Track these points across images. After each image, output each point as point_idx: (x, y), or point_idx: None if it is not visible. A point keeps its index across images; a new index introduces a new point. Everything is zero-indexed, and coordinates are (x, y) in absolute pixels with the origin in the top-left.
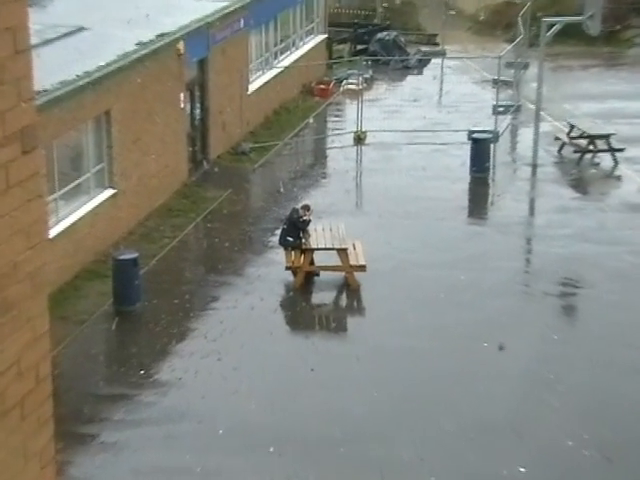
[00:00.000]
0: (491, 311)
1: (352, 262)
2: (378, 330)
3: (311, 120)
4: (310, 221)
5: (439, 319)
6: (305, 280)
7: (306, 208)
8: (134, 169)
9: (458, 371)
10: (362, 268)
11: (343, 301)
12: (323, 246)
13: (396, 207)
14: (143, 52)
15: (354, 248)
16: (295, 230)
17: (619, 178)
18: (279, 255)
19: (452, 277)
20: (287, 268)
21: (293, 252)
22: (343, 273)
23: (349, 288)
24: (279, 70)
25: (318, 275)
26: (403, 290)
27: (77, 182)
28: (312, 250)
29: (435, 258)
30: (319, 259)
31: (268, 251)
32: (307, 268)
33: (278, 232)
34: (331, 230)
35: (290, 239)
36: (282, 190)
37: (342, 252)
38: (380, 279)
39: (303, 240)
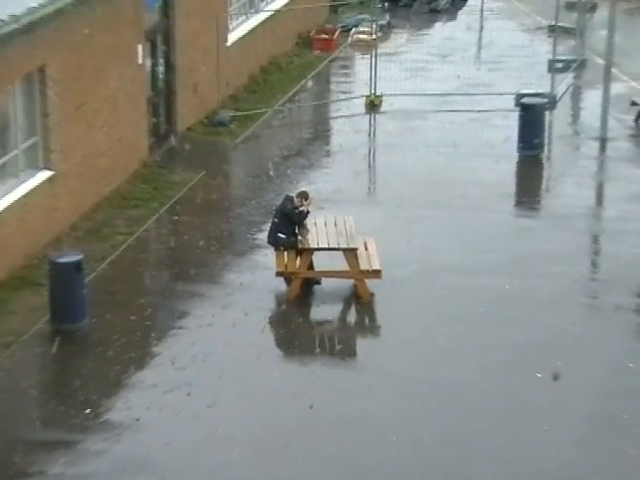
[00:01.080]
0: (545, 331)
1: (363, 266)
2: (397, 356)
3: (310, 81)
4: (308, 213)
5: (477, 341)
6: (302, 290)
7: (303, 196)
8: (77, 145)
9: (502, 410)
10: (376, 274)
11: (352, 317)
12: (325, 245)
13: (420, 195)
14: None
15: (366, 248)
16: (289, 225)
17: None
18: (268, 257)
19: (494, 286)
20: (278, 274)
21: (286, 253)
22: (351, 281)
23: (359, 300)
24: (268, 15)
25: (319, 283)
26: (430, 303)
27: (0, 162)
28: (311, 251)
29: (471, 261)
30: (320, 262)
31: (254, 252)
32: (305, 274)
33: (267, 227)
34: (336, 225)
35: (282, 236)
36: (272, 173)
37: (350, 253)
38: (400, 289)
39: (299, 238)
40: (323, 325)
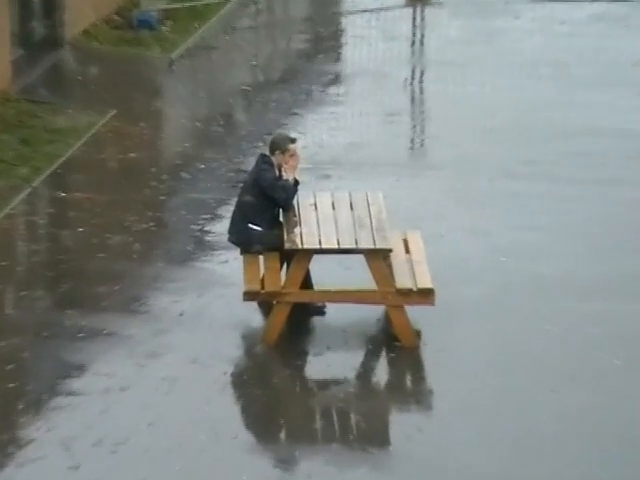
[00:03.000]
0: None
1: (402, 283)
2: (462, 450)
3: None
4: (298, 184)
5: (612, 423)
6: (290, 324)
7: (287, 149)
8: None
9: None
10: (425, 297)
11: (380, 376)
12: (333, 245)
13: (502, 153)
14: None
15: (406, 250)
16: (267, 208)
17: None
18: (230, 266)
19: (636, 317)
20: (249, 296)
21: (263, 259)
22: (381, 308)
23: (395, 344)
24: None
25: (322, 313)
26: (521, 351)
27: None
28: (308, 254)
29: (594, 273)
30: (324, 275)
31: (203, 257)
32: (296, 296)
33: (227, 214)
34: (353, 208)
35: (256, 229)
36: (237, 114)
37: (378, 259)
38: (467, 323)
39: (286, 231)
40: (328, 389)
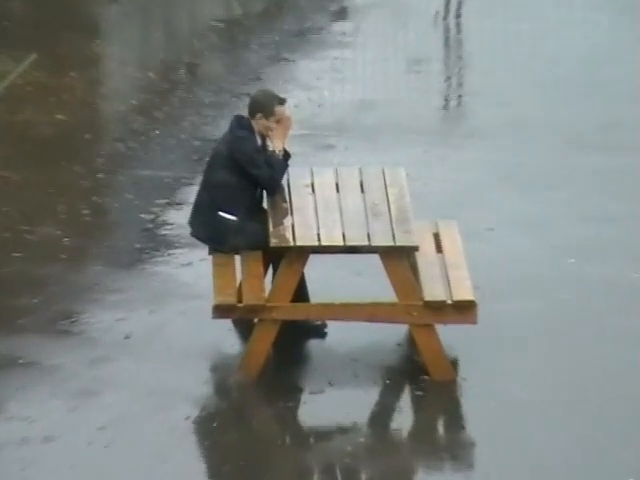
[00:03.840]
0: None
1: (431, 293)
2: None
3: None
4: (288, 157)
5: None
6: (278, 350)
7: (274, 116)
8: None
9: None
10: (464, 314)
11: (401, 422)
12: (337, 241)
13: (572, 118)
14: None
15: (439, 249)
16: (244, 188)
17: None
18: (195, 270)
19: None
20: (220, 311)
21: (242, 260)
22: (404, 328)
23: (423, 379)
24: None
25: (321, 334)
26: (601, 386)
27: None
28: (301, 254)
29: None
30: (323, 282)
31: (157, 257)
32: (286, 312)
33: (189, 197)
34: (364, 189)
35: (230, 218)
36: (203, 60)
37: (399, 261)
38: (522, 347)
39: (271, 220)
40: (330, 440)
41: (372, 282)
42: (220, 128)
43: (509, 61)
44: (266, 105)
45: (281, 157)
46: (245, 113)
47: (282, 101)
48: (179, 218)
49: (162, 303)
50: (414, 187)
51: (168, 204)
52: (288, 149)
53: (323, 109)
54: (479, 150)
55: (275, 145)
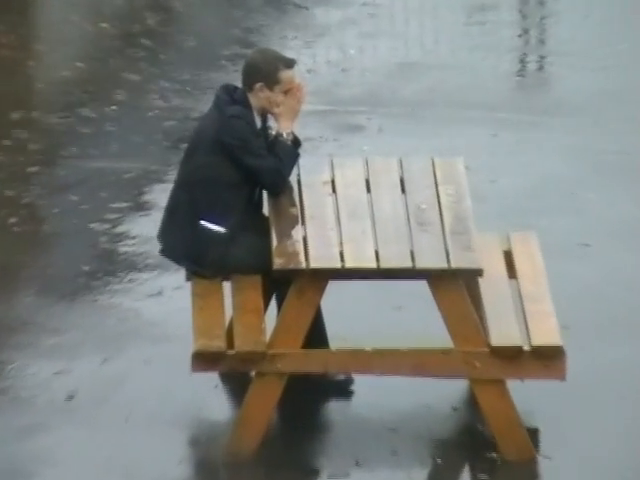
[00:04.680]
0: None
1: (500, 335)
2: None
3: None
4: (299, 145)
5: None
6: (284, 415)
7: (279, 85)
8: None
9: None
10: (548, 363)
11: None
12: (368, 262)
13: None
14: None
15: (510, 270)
16: (236, 188)
17: None
18: (165, 301)
19: None
20: (202, 361)
21: (232, 288)
22: (463, 384)
23: (488, 457)
24: None
25: (348, 394)
26: None
27: None
28: (316, 281)
29: None
30: (347, 319)
31: (115, 284)
32: (296, 362)
33: (162, 202)
34: (405, 187)
35: (214, 229)
36: (177, 4)
37: (453, 287)
38: (633, 412)
39: (274, 233)
40: None
41: (417, 320)
42: (203, 102)
43: (609, 9)
44: (268, 70)
45: (290, 143)
46: (238, 82)
47: (290, 63)
48: (145, 229)
49: (120, 349)
50: (477, 185)
51: (129, 209)
52: (298, 133)
53: (348, 75)
54: (567, 132)
55: (281, 126)
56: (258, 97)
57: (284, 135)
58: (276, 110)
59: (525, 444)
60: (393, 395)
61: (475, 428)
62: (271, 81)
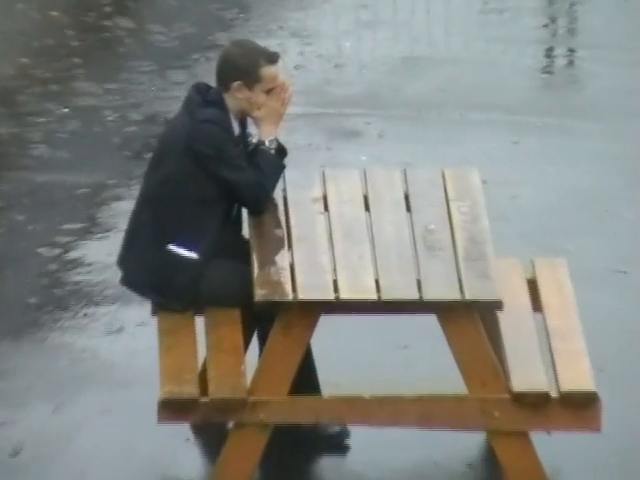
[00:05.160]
0: None
1: (523, 379)
2: None
3: None
4: (284, 154)
5: None
6: (267, 473)
7: (260, 83)
8: None
9: None
10: (580, 413)
11: None
12: (368, 293)
13: None
14: None
15: (535, 303)
16: (210, 205)
17: None
18: (126, 340)
19: None
20: (170, 410)
21: (206, 323)
22: (477, 438)
23: None
24: None
25: (343, 448)
26: None
27: None
28: (306, 315)
29: None
30: (343, 360)
31: (67, 320)
32: (281, 411)
33: (122, 223)
34: (410, 203)
35: (183, 255)
36: None
37: (467, 322)
38: None
39: (255, 258)
40: None
41: (425, 361)
42: (171, 104)
43: None
44: (247, 66)
45: (273, 152)
46: (212, 80)
47: (273, 58)
48: (102, 255)
49: (73, 395)
50: (495, 201)
51: (84, 231)
52: (284, 140)
53: (343, 72)
54: (600, 139)
55: (263, 132)
56: (236, 98)
57: (266, 143)
58: (257, 113)
59: None
60: (395, 450)
61: None
62: (251, 79)
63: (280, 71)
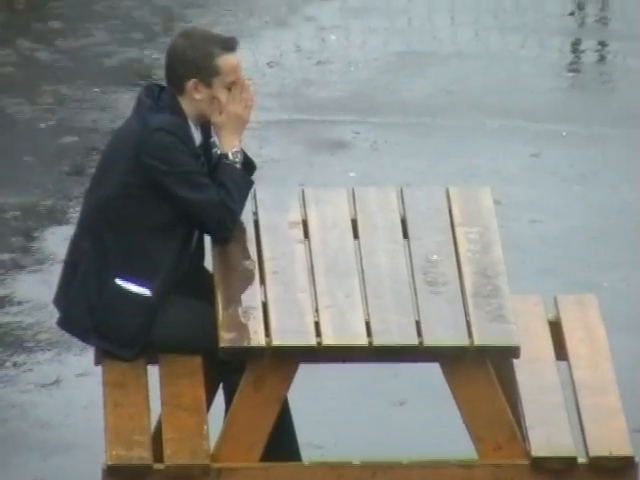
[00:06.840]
0: None
1: (547, 444)
2: None
3: None
4: (253, 168)
5: None
6: None
7: (220, 78)
8: None
9: None
10: None
11: None
12: (357, 339)
13: None
14: None
15: (559, 349)
16: (165, 231)
17: None
18: (65, 393)
19: None
20: (114, 478)
21: (161, 375)
22: None
23: None
24: None
25: None
26: None
27: None
28: (282, 364)
29: None
30: (329, 417)
31: None
32: None
33: (59, 256)
34: (407, 229)
35: (136, 291)
36: None
37: (476, 372)
38: None
39: (219, 296)
40: None
41: (425, 419)
42: (118, 109)
43: None
44: (199, 58)
45: (239, 166)
46: (161, 82)
47: (229, 45)
48: (35, 291)
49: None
50: (511, 227)
51: (13, 263)
52: (252, 152)
53: (326, 70)
54: (638, 150)
55: (224, 143)
56: (193, 100)
57: (230, 156)
58: (217, 119)
59: None
60: None
61: None
62: (206, 73)
63: (239, 60)
